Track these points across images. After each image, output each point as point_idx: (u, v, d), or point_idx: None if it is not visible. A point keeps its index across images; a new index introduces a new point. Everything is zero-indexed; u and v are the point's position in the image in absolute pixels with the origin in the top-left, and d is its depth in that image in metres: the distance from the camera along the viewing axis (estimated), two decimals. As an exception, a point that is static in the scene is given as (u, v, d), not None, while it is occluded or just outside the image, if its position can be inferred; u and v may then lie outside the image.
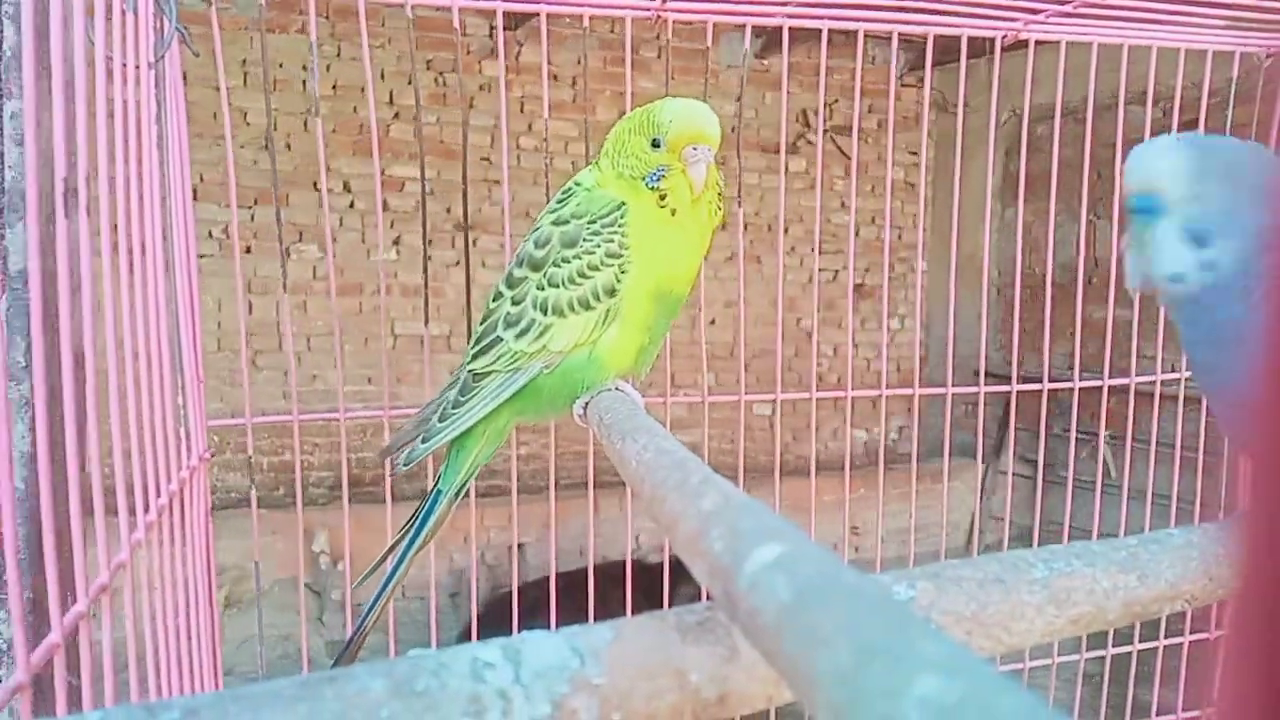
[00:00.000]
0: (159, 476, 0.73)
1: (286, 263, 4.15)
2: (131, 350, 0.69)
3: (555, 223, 1.05)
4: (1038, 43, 1.45)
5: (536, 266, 1.04)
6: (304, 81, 4.11)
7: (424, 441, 1.08)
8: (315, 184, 4.18)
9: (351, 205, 4.27)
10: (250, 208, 3.98)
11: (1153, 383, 1.59)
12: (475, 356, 1.07)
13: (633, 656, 0.48)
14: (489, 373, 1.05)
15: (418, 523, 1.12)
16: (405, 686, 0.48)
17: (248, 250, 3.93)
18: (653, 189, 1.01)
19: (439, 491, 1.12)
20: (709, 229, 1.05)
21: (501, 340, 1.04)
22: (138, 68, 0.77)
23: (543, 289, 1.03)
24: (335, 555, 3.84)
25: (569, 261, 1.02)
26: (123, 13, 0.72)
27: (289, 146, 4.10)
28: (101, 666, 0.55)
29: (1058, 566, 0.50)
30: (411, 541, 1.11)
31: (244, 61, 3.91)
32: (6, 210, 0.62)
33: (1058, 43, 1.46)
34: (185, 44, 1.03)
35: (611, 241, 1.01)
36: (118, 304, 0.66)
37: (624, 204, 1.02)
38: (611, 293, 1.02)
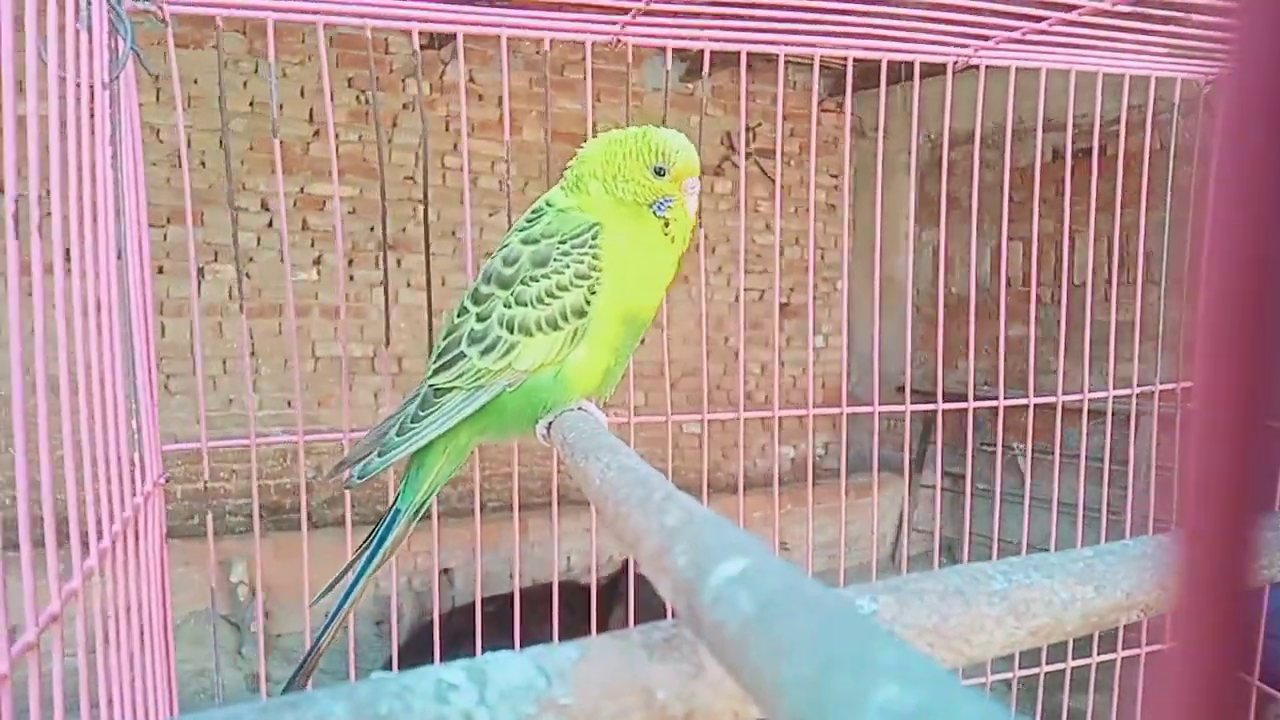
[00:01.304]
0: (112, 502, 0.70)
1: (204, 282, 4.04)
2: (84, 373, 0.66)
3: (525, 241, 1.04)
4: (988, 69, 1.49)
5: (504, 284, 1.03)
6: (219, 98, 4.00)
7: (380, 455, 1.05)
8: (233, 202, 4.07)
9: (270, 224, 4.17)
10: (163, 227, 3.86)
11: (1077, 402, 1.66)
12: (437, 371, 1.05)
13: (599, 675, 0.49)
14: (451, 389, 1.04)
15: (376, 540, 1.09)
16: (368, 710, 0.48)
17: (160, 270, 3.80)
18: (660, 217, 1.04)
19: (397, 510, 1.10)
20: (680, 254, 1.08)
21: (465, 356, 1.03)
22: (91, 87, 0.74)
23: (510, 307, 1.02)
24: (254, 586, 3.71)
25: (537, 281, 1.01)
26: (76, 32, 0.70)
27: (204, 164, 3.99)
28: (51, 698, 0.52)
29: (1016, 578, 0.52)
30: (370, 559, 1.08)
31: (156, 77, 3.79)
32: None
33: (977, 71, 1.51)
34: (141, 65, 1.00)
35: (581, 263, 1.01)
36: (70, 326, 0.64)
37: (597, 225, 1.02)
38: (580, 313, 1.01)
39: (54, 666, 0.52)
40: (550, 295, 1.00)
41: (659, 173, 1.04)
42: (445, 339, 1.06)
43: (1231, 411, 0.20)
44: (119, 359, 0.79)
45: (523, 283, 1.01)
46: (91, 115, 0.76)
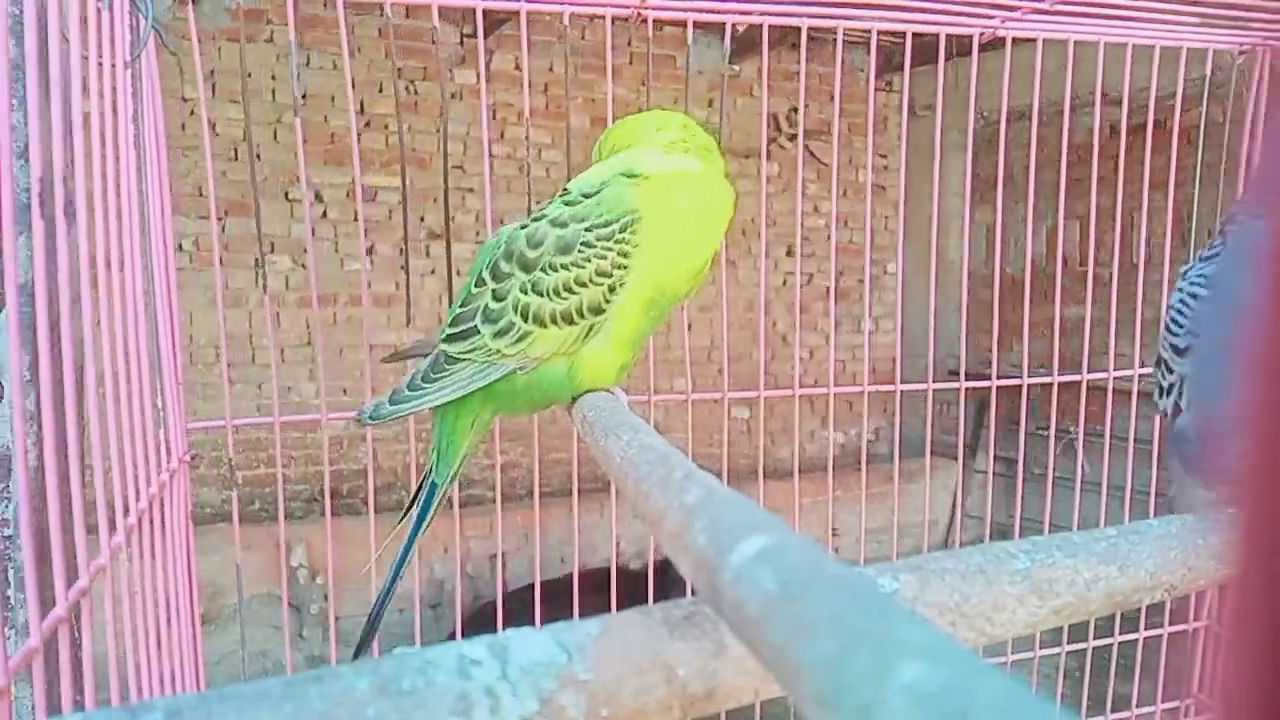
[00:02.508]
0: (139, 480, 0.72)
1: (260, 272, 4.13)
2: (110, 354, 0.68)
3: (554, 223, 1.01)
4: (1014, 40, 1.45)
5: (526, 267, 1.01)
6: (273, 91, 4.08)
7: (391, 404, 1.05)
8: (287, 194, 4.16)
9: (324, 215, 4.25)
10: (220, 219, 3.96)
11: (1128, 379, 1.61)
12: (451, 339, 1.04)
13: (620, 652, 0.48)
14: (462, 360, 1.03)
15: (416, 518, 1.12)
16: (391, 685, 0.48)
17: (221, 262, 3.90)
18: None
19: (434, 484, 1.11)
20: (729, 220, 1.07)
21: (479, 333, 1.02)
22: (114, 66, 0.76)
23: (526, 293, 1.00)
24: (314, 569, 3.80)
25: (557, 270, 0.99)
26: (98, 10, 0.71)
27: (259, 157, 4.08)
28: (82, 670, 0.54)
29: (1039, 558, 0.51)
30: (414, 532, 1.11)
31: (211, 72, 3.88)
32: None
33: (1031, 44, 1.47)
34: (162, 43, 1.01)
35: (604, 258, 0.98)
36: (95, 307, 0.65)
37: (636, 214, 0.99)
38: (597, 311, 0.99)
39: (84, 639, 0.54)
40: (568, 289, 0.99)
41: None
42: (461, 306, 1.05)
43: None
44: (144, 338, 0.80)
45: (543, 270, 0.99)
46: (114, 95, 0.77)
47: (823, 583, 0.42)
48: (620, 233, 0.98)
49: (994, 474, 1.69)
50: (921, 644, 0.35)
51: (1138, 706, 1.66)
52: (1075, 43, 1.46)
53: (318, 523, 3.88)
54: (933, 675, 0.33)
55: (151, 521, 0.76)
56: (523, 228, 1.04)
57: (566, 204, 1.03)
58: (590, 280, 0.98)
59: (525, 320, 1.00)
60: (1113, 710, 1.67)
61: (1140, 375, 1.59)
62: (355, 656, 1.10)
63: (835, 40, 1.45)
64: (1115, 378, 1.60)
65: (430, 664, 0.49)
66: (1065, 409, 1.72)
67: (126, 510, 0.67)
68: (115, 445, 0.66)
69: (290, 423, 1.47)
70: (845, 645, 0.36)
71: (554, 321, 0.99)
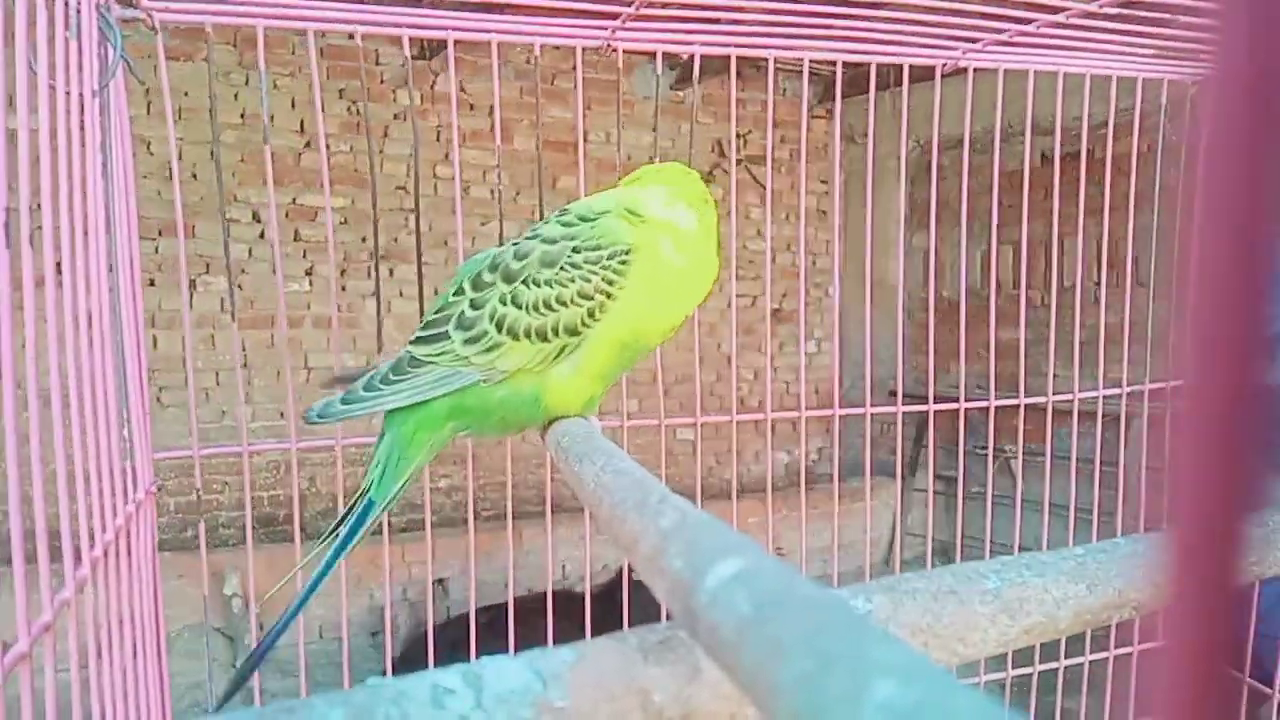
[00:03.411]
0: (104, 512, 0.70)
1: (195, 294, 4.03)
2: (75, 382, 0.66)
3: (544, 240, 1.00)
4: (975, 71, 1.49)
5: (508, 278, 0.98)
6: (210, 110, 4.00)
7: (344, 403, 1.00)
8: (224, 213, 4.07)
9: (261, 235, 4.17)
10: (154, 239, 3.85)
11: (1066, 401, 1.66)
12: (419, 341, 1.01)
13: (595, 678, 0.49)
14: (428, 363, 1.00)
15: (346, 533, 1.03)
16: (364, 715, 0.47)
17: (151, 283, 3.80)
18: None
19: (371, 502, 1.04)
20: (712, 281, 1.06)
21: (449, 338, 0.99)
22: (81, 95, 0.74)
23: (505, 304, 0.98)
24: (248, 598, 3.70)
25: (539, 285, 0.97)
26: (65, 40, 0.70)
27: (195, 176, 3.99)
28: (44, 709, 0.52)
29: (1009, 577, 0.52)
30: (336, 554, 1.02)
31: (147, 91, 3.79)
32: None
33: (965, 75, 1.51)
34: (131, 73, 0.99)
35: (589, 281, 0.97)
36: (61, 335, 0.64)
37: (629, 250, 0.98)
38: (573, 332, 0.97)
39: (47, 676, 0.52)
40: (547, 306, 0.97)
41: None
42: (436, 311, 1.02)
43: (1220, 409, 0.20)
44: (110, 368, 0.78)
45: (525, 283, 0.98)
46: (82, 125, 0.76)
47: (797, 604, 0.43)
48: (609, 260, 0.97)
49: (934, 493, 1.73)
50: (895, 663, 0.36)
51: None
52: (1034, 72, 1.49)
53: (255, 549, 3.77)
54: (907, 694, 0.33)
55: (118, 554, 0.74)
56: (514, 244, 1.02)
57: (562, 224, 1.01)
58: (571, 300, 0.97)
59: (499, 331, 0.97)
60: None
61: (1080, 397, 1.64)
62: (232, 685, 0.98)
63: (781, 69, 1.48)
64: (1054, 400, 1.66)
65: (403, 694, 0.49)
66: (1004, 428, 1.78)
67: (93, 543, 0.65)
68: (81, 476, 0.64)
69: (228, 450, 1.42)
70: (820, 666, 0.37)
71: (527, 336, 0.97)
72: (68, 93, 0.70)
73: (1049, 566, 0.54)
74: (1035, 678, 1.67)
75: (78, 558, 0.61)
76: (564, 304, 0.97)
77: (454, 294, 1.03)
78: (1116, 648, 1.67)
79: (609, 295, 0.97)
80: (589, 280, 0.97)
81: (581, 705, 0.48)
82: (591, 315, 0.97)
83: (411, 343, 1.02)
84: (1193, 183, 0.20)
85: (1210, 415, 0.20)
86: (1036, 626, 0.52)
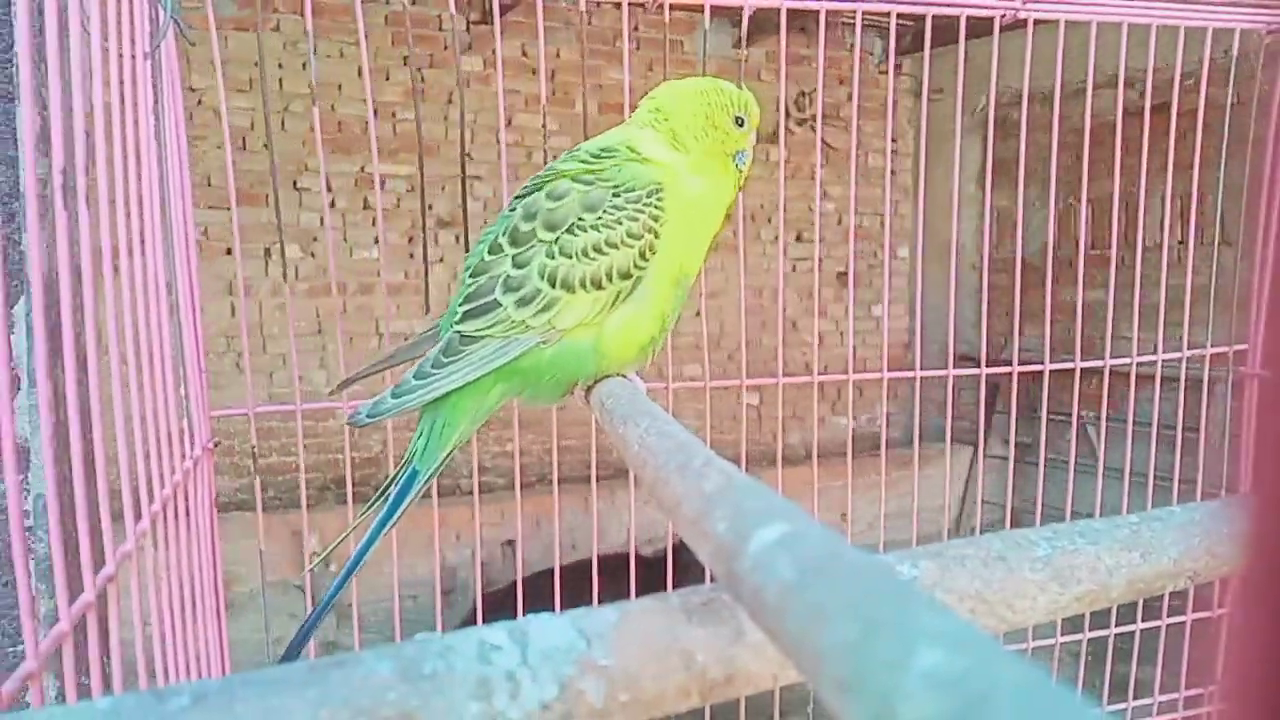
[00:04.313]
0: (163, 467, 0.73)
1: (271, 262, 4.15)
2: (133, 342, 0.68)
3: (577, 179, 0.96)
4: (1035, 22, 1.43)
5: (551, 226, 0.95)
6: (280, 80, 4.09)
7: (395, 397, 0.97)
8: (295, 183, 4.16)
9: (332, 204, 4.26)
10: (228, 209, 3.97)
11: (1152, 363, 1.60)
12: (466, 317, 0.97)
13: (639, 638, 0.49)
14: (481, 337, 0.96)
15: (391, 503, 1.01)
16: (412, 670, 0.48)
17: (228, 251, 3.92)
18: (739, 169, 1.02)
19: (415, 471, 1.02)
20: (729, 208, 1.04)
21: (500, 305, 0.95)
22: (134, 58, 0.76)
23: (553, 257, 0.94)
24: (327, 557, 3.83)
25: (585, 230, 0.94)
26: (118, 2, 0.71)
27: (266, 146, 4.09)
28: (110, 655, 0.55)
29: (1061, 544, 0.51)
30: (383, 523, 1.01)
31: (222, 61, 3.88)
32: (24, 213, 0.61)
33: (1046, 26, 1.45)
34: (181, 34, 1.01)
35: (636, 220, 0.94)
36: (118, 295, 0.66)
37: (659, 186, 0.96)
38: (626, 275, 0.95)
39: (111, 625, 0.54)
40: (597, 250, 0.93)
41: (739, 123, 1.02)
42: (473, 279, 0.98)
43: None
44: (167, 329, 0.81)
45: (569, 230, 0.94)
46: (135, 85, 0.77)
47: (841, 570, 0.42)
48: (648, 199, 0.95)
49: (1004, 459, 1.69)
50: (941, 631, 0.35)
51: (1160, 693, 1.65)
52: (1096, 24, 1.43)
53: (330, 510, 3.90)
54: (952, 662, 0.33)
55: (176, 509, 0.77)
56: (536, 189, 0.99)
57: (583, 163, 0.99)
58: (621, 242, 0.94)
59: (552, 286, 0.94)
60: (1135, 697, 1.66)
61: (1165, 359, 1.57)
62: (288, 652, 0.96)
63: (845, 23, 1.44)
64: (1139, 363, 1.59)
65: (451, 649, 0.50)
66: (1083, 395, 1.71)
67: (152, 498, 0.68)
68: (139, 433, 0.67)
69: (305, 410, 1.46)
70: (864, 632, 0.37)
71: (582, 286, 0.94)
72: (120, 55, 0.71)
73: (1102, 534, 0.52)
74: (1084, 644, 1.64)
75: (138, 513, 0.64)
76: (614, 246, 0.94)
77: (489, 253, 0.99)
78: (1169, 616, 1.62)
79: (655, 234, 0.95)
80: (635, 219, 0.94)
81: (625, 664, 0.49)
82: (643, 256, 0.95)
83: (458, 321, 0.98)
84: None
85: None
86: (1088, 594, 0.50)
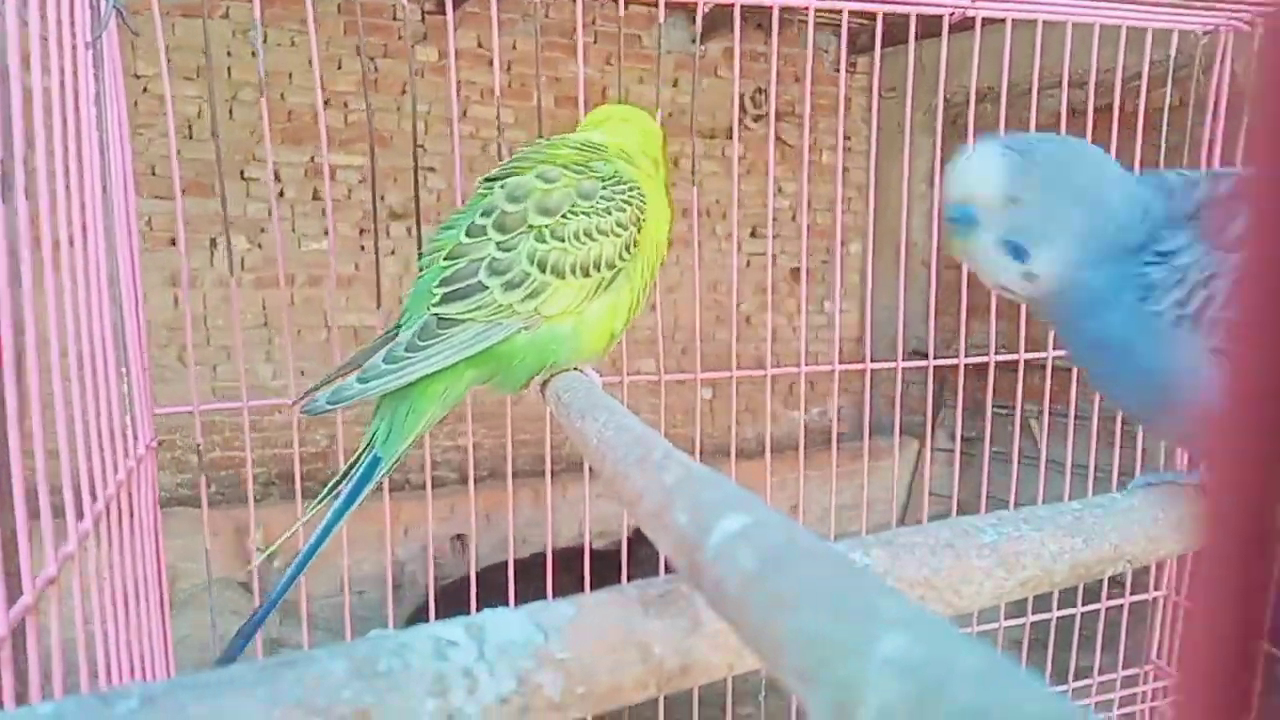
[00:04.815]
0: (105, 467, 0.70)
1: (216, 253, 4.05)
2: (74, 338, 0.66)
3: (567, 166, 0.96)
4: (984, 21, 1.46)
5: (545, 210, 0.93)
6: (229, 68, 4.00)
7: (361, 382, 0.93)
8: (243, 173, 4.08)
9: (281, 194, 4.17)
10: (172, 200, 3.87)
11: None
12: (446, 300, 0.94)
13: (596, 631, 0.49)
14: (462, 320, 0.94)
15: (350, 490, 0.98)
16: (367, 668, 0.48)
17: (171, 242, 3.83)
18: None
19: (376, 458, 0.99)
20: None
21: (486, 289, 0.93)
22: (74, 48, 0.73)
23: (544, 241, 0.92)
24: (274, 552, 3.77)
25: (579, 216, 0.93)
26: None
27: (214, 134, 4.00)
28: (50, 660, 0.53)
29: (1006, 531, 0.52)
30: (341, 511, 0.98)
31: (166, 48, 3.78)
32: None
33: (996, 27, 1.47)
34: (123, 23, 0.98)
35: (624, 210, 0.95)
36: (59, 291, 0.63)
37: (636, 180, 0.99)
38: (611, 265, 0.95)
39: (52, 628, 0.52)
40: (589, 236, 0.93)
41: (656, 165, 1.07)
42: (451, 262, 0.96)
43: (1270, 365, 0.19)
44: (108, 322, 0.78)
45: (565, 215, 0.93)
46: (76, 77, 0.75)
47: (802, 558, 0.42)
48: (632, 193, 0.97)
49: (950, 451, 1.73)
50: (901, 617, 0.35)
51: (1099, 674, 1.70)
52: (1043, 24, 1.47)
53: (275, 505, 3.83)
54: (913, 647, 0.33)
55: (119, 508, 0.74)
56: (512, 174, 0.98)
57: (573, 148, 0.99)
58: (611, 230, 0.94)
59: (543, 271, 0.92)
60: (1075, 679, 1.72)
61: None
62: (233, 643, 0.91)
63: (801, 21, 1.45)
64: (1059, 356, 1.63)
65: (406, 646, 0.49)
66: (1028, 389, 1.76)
67: (94, 497, 0.65)
68: (81, 431, 0.65)
69: (252, 407, 1.43)
70: (826, 620, 0.37)
71: (572, 272, 0.93)
72: (60, 44, 0.69)
73: (1045, 521, 0.54)
74: (1027, 628, 1.69)
75: (80, 512, 0.62)
76: (605, 234, 0.94)
77: (467, 235, 0.97)
78: (1109, 600, 1.67)
79: (639, 227, 0.97)
80: (624, 210, 0.95)
81: (582, 657, 0.48)
82: (628, 248, 0.96)
83: (437, 303, 0.95)
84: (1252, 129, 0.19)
85: (1260, 376, 0.19)
86: (1032, 579, 0.52)
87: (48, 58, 0.67)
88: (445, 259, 0.97)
